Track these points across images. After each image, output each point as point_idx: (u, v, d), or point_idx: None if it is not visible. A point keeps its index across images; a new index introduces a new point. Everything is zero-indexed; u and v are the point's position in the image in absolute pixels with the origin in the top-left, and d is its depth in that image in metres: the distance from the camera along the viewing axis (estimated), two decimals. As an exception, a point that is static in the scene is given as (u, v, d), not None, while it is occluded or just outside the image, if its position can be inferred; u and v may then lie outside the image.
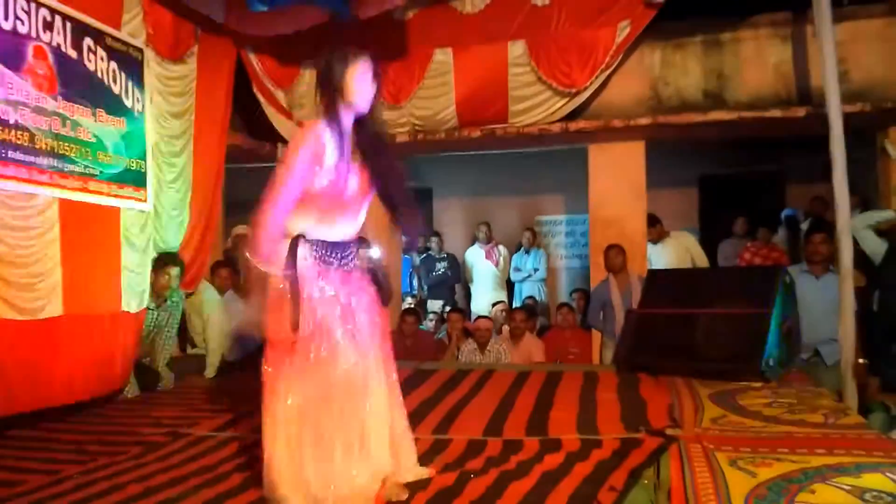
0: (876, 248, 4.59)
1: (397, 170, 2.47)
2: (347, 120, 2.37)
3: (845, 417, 3.18)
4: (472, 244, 8.18)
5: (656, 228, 6.17)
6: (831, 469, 2.38)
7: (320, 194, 2.32)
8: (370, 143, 2.41)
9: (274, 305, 2.30)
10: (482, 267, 7.91)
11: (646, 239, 6.10)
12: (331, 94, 2.34)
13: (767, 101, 5.55)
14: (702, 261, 6.14)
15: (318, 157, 2.29)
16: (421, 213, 2.51)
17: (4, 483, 2.70)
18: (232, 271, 5.73)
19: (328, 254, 2.36)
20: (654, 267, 5.96)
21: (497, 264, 7.87)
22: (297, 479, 2.23)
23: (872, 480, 2.26)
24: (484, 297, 7.70)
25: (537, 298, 7.69)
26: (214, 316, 5.08)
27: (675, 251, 6.07)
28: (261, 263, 2.29)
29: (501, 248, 8.01)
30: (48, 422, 3.72)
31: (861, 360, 4.40)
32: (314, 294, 2.31)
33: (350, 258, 2.42)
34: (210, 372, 5.03)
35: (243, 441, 3.13)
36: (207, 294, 5.22)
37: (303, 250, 2.33)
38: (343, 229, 2.42)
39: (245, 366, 5.22)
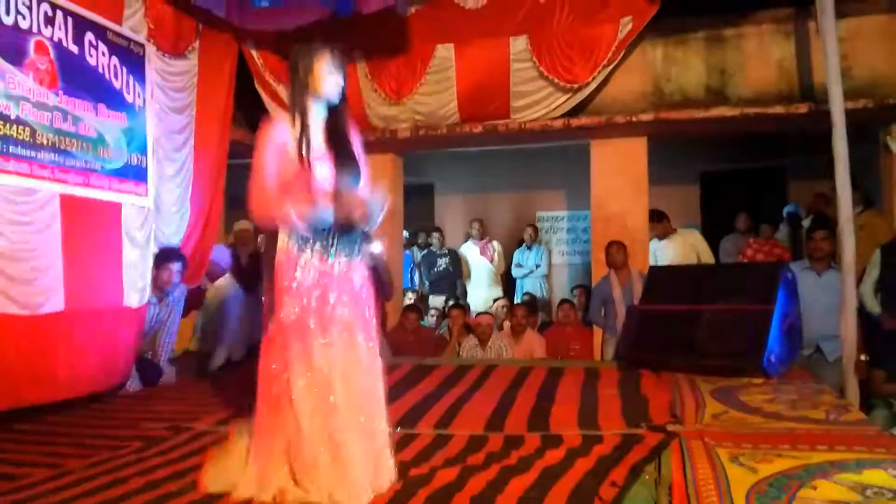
0: (874, 306, 4.60)
1: (356, 164, 2.47)
2: (318, 111, 2.44)
3: (847, 413, 3.18)
4: (466, 241, 8.20)
5: (662, 224, 6.14)
6: (833, 465, 2.38)
7: (291, 184, 2.37)
8: (336, 134, 2.45)
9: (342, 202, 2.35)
10: (477, 263, 7.93)
11: (648, 235, 6.09)
12: (298, 86, 2.43)
13: (770, 98, 5.54)
14: (708, 259, 6.12)
15: (280, 152, 2.38)
16: (378, 213, 2.44)
17: (7, 477, 2.71)
18: (233, 266, 5.73)
19: (311, 242, 2.37)
20: (658, 263, 5.95)
21: (492, 260, 7.88)
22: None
23: (874, 476, 2.25)
24: (480, 294, 7.71)
25: (539, 295, 7.69)
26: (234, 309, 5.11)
27: (681, 248, 6.05)
28: (280, 222, 2.36)
29: (495, 243, 8.02)
30: (50, 416, 3.72)
31: (862, 357, 4.40)
32: (293, 284, 2.34)
33: (335, 248, 2.40)
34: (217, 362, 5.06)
35: (245, 436, 3.14)
36: (230, 289, 5.19)
37: (283, 239, 2.38)
38: (325, 217, 2.40)
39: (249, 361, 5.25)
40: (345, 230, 2.42)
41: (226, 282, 5.50)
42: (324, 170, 2.40)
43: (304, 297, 2.33)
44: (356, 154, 2.49)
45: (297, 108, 2.43)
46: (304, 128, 2.40)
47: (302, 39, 5.66)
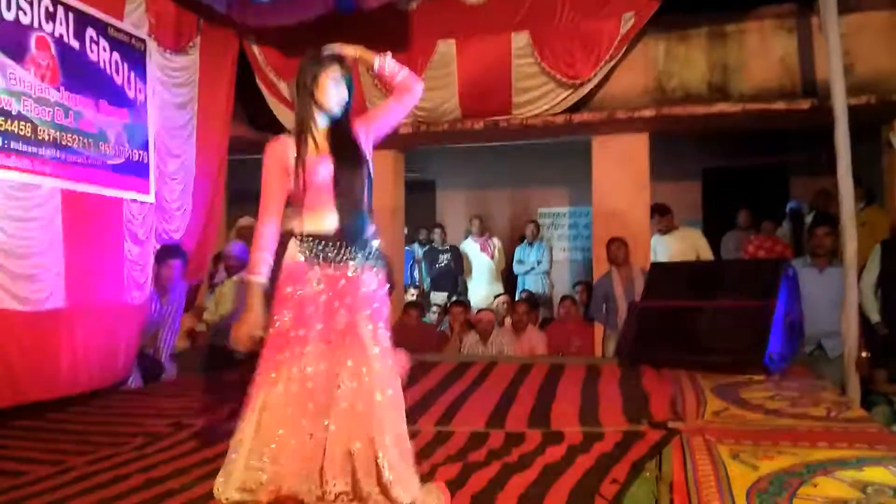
0: (873, 311, 4.60)
1: (360, 179, 2.43)
2: (321, 121, 2.43)
3: (848, 411, 3.18)
4: (466, 238, 8.19)
5: (667, 218, 6.12)
6: (833, 462, 2.38)
7: (299, 193, 2.37)
8: (339, 146, 2.43)
9: (247, 306, 2.33)
10: (478, 260, 7.92)
11: (649, 232, 6.08)
12: (303, 96, 2.42)
13: (772, 94, 5.52)
14: (707, 257, 6.10)
15: (284, 168, 2.37)
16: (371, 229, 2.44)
17: (9, 473, 2.71)
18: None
19: (319, 250, 2.35)
20: (658, 258, 5.95)
21: (492, 257, 7.88)
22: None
23: (874, 474, 2.25)
24: (480, 290, 7.71)
25: (540, 291, 7.69)
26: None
27: (681, 245, 6.03)
28: (246, 271, 2.37)
29: (495, 240, 8.02)
30: (52, 412, 3.73)
31: (864, 354, 4.40)
32: (297, 292, 2.32)
33: (344, 256, 2.37)
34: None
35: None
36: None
37: (293, 248, 2.36)
38: (331, 223, 2.38)
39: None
40: (355, 238, 2.39)
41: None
42: (325, 177, 2.37)
43: (304, 305, 2.30)
44: (362, 160, 2.45)
45: (300, 118, 2.42)
46: (304, 139, 2.39)
47: (304, 35, 5.68)
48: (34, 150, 3.69)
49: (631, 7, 5.47)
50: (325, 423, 2.22)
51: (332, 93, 2.40)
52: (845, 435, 2.73)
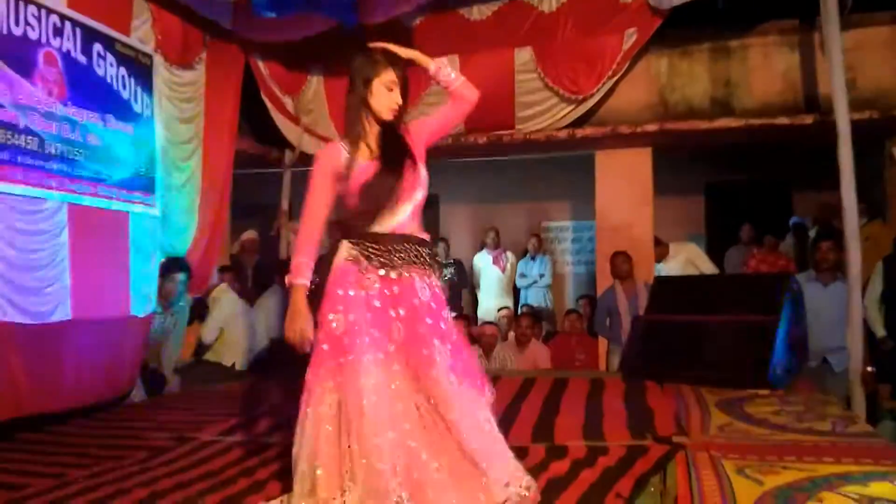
0: (878, 327, 4.60)
1: (409, 184, 2.41)
2: (373, 125, 2.39)
3: (853, 426, 3.16)
4: (481, 249, 8.17)
5: (658, 249, 6.12)
6: (839, 477, 2.36)
7: (350, 198, 2.35)
8: (390, 151, 2.40)
9: (291, 309, 2.29)
10: (489, 272, 7.90)
11: (653, 246, 6.08)
12: (355, 100, 2.37)
13: (775, 109, 5.54)
14: (708, 269, 6.10)
15: (335, 173, 2.34)
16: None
17: (10, 486, 2.71)
18: (237, 276, 5.75)
19: (370, 253, 2.31)
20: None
21: (504, 270, 7.86)
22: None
23: (880, 489, 2.24)
24: (490, 303, 7.69)
25: (543, 305, 7.68)
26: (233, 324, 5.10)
27: (678, 265, 6.03)
28: (288, 277, 2.33)
29: (509, 254, 8.00)
30: (55, 425, 3.73)
31: (869, 368, 4.38)
32: (348, 292, 2.27)
33: (397, 258, 2.32)
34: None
35: (248, 446, 3.14)
36: (228, 304, 5.18)
37: (344, 250, 2.33)
38: (386, 225, 2.36)
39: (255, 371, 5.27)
40: (406, 242, 2.34)
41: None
42: (374, 182, 2.34)
43: (351, 311, 2.25)
44: (412, 165, 2.42)
45: (351, 122, 2.38)
46: (356, 144, 2.36)
47: (308, 50, 5.68)
48: (41, 164, 3.72)
49: (634, 23, 5.51)
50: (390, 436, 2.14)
51: (386, 99, 2.36)
52: (851, 450, 2.72)
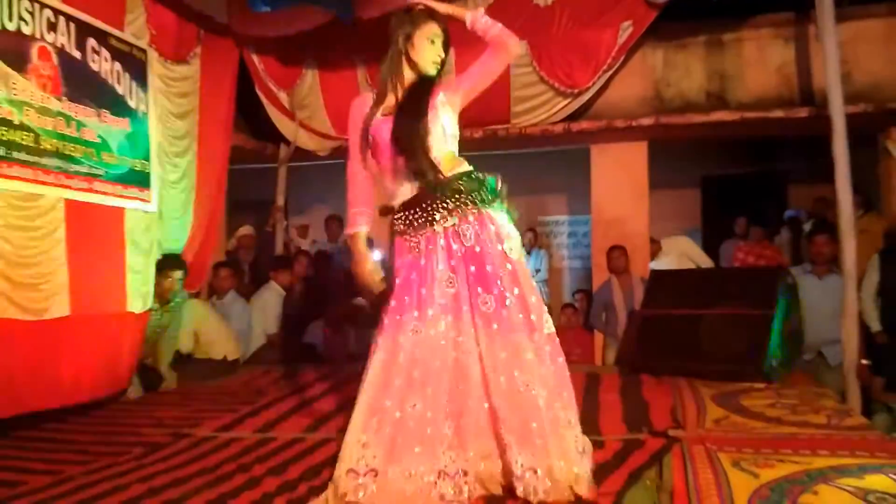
0: (874, 321, 4.61)
1: (425, 131, 2.35)
2: (410, 79, 2.39)
3: (848, 418, 3.18)
4: None
5: (651, 247, 6.12)
6: (834, 470, 2.38)
7: (377, 160, 2.38)
8: (404, 102, 2.37)
9: (354, 257, 2.37)
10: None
11: (649, 240, 6.09)
12: (395, 54, 2.39)
13: (770, 102, 5.55)
14: (702, 261, 6.11)
15: (366, 125, 2.36)
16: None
17: (7, 483, 2.71)
18: (233, 272, 5.73)
19: (409, 219, 2.33)
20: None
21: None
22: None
23: (876, 482, 2.25)
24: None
25: (539, 299, 7.66)
26: (207, 324, 5.05)
27: (671, 259, 6.04)
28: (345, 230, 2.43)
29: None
30: (52, 422, 3.72)
31: (864, 361, 4.40)
32: (403, 262, 2.33)
33: (430, 214, 2.31)
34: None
35: (245, 441, 3.14)
36: (193, 308, 5.05)
37: (394, 224, 2.39)
38: (408, 189, 2.36)
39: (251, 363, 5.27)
40: (437, 191, 2.29)
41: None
42: (387, 137, 2.32)
43: (398, 276, 2.30)
44: (425, 112, 2.35)
45: (384, 77, 2.38)
46: (380, 98, 2.36)
47: (303, 45, 5.65)
48: (36, 159, 3.70)
49: (629, 16, 5.49)
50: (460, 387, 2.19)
51: (429, 52, 2.35)
52: (846, 442, 2.73)
